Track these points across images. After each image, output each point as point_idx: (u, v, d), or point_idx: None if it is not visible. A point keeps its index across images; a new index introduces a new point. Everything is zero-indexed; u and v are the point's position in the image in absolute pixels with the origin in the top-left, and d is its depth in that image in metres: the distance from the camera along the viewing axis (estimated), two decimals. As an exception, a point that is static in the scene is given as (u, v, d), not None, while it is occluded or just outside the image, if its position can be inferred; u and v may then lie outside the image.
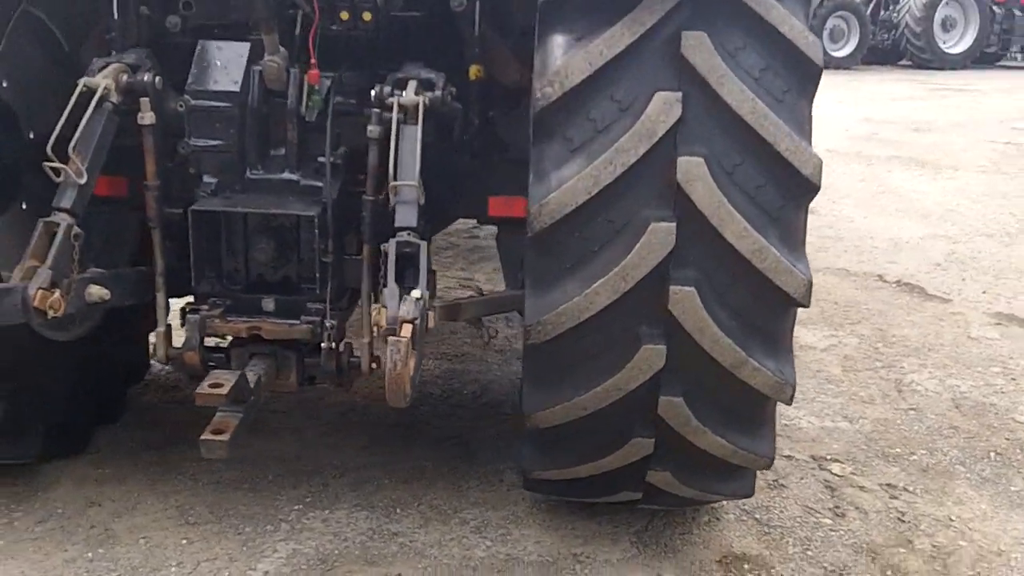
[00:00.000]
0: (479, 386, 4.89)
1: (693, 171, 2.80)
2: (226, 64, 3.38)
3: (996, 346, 5.80)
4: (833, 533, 3.83)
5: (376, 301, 3.26)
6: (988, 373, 5.42)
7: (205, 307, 3.40)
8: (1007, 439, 4.68)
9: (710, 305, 2.89)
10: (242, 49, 3.40)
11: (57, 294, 2.98)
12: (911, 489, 4.18)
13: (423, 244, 3.04)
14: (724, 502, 3.87)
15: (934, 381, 5.28)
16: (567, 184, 2.84)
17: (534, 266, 3.00)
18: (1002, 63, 25.54)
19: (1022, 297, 6.68)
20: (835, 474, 4.26)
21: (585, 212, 2.86)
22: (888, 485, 4.20)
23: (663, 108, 2.80)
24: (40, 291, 2.92)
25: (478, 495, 3.93)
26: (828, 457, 4.36)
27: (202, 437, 3.04)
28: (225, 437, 3.04)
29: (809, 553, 3.70)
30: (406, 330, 2.63)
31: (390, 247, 3.01)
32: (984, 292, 6.73)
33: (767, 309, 2.99)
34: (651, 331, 2.93)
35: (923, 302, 6.44)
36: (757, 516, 3.90)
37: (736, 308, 2.94)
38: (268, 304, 3.42)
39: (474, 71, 3.57)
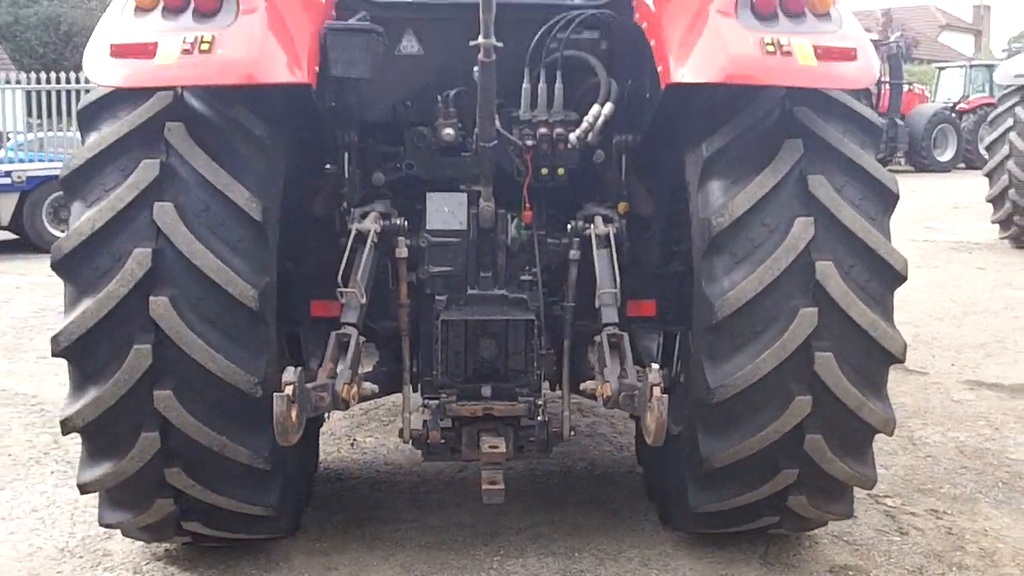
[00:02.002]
0: (588, 463, 5.97)
1: (827, 271, 4.00)
2: (453, 210, 4.51)
3: (976, 405, 7.12)
4: (904, 546, 4.96)
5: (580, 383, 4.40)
6: (976, 426, 6.72)
7: (443, 395, 4.43)
8: (1008, 472, 5.93)
9: (841, 365, 4.05)
10: (462, 198, 4.55)
11: (355, 388, 4.00)
12: (949, 512, 5.36)
13: (625, 335, 4.16)
14: (816, 530, 4.96)
15: (937, 435, 6.53)
16: (739, 285, 4.01)
17: (711, 345, 4.13)
18: (888, 168, 27.88)
19: (983, 366, 8.09)
20: (889, 505, 5.41)
21: (752, 304, 4.02)
22: (932, 510, 5.37)
23: (803, 229, 4.01)
24: (345, 386, 3.94)
25: (631, 539, 4.96)
26: (880, 494, 5.50)
27: (484, 487, 4.07)
28: (501, 486, 4.07)
29: (892, 561, 4.81)
30: (657, 390, 3.72)
31: (603, 338, 4.12)
32: (952, 365, 8.11)
33: (877, 365, 4.16)
34: (799, 386, 4.07)
35: (906, 376, 7.74)
36: (844, 539, 5.00)
37: (856, 366, 4.10)
38: (486, 390, 4.47)
39: (623, 206, 4.76)
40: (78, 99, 20.14)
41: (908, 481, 5.76)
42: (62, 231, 15.43)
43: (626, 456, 6.00)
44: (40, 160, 17.79)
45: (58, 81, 20.04)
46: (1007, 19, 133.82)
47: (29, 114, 19.68)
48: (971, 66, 34.37)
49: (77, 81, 20.47)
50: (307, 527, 5.07)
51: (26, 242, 15.80)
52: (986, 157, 15.07)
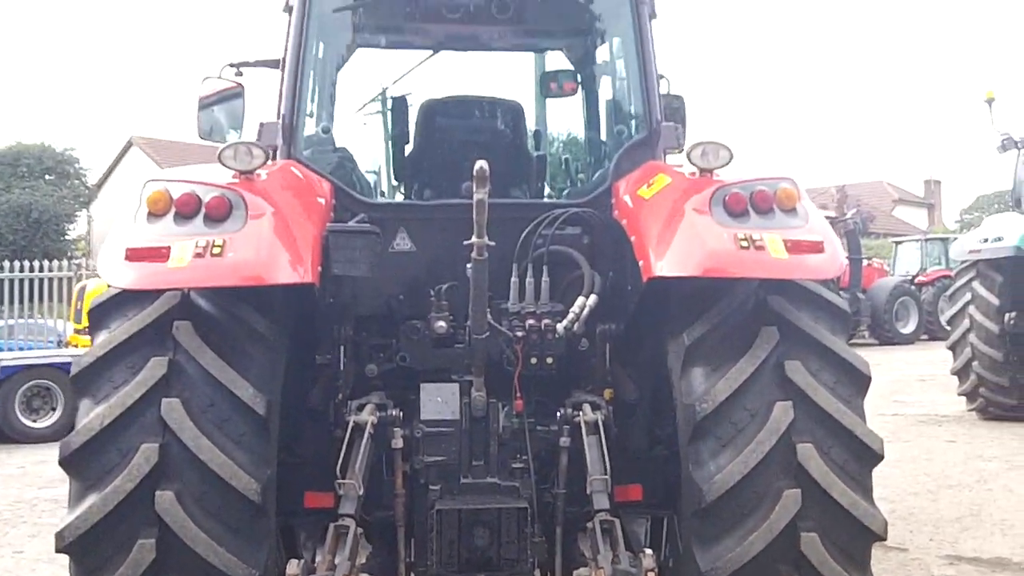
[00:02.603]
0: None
1: (808, 453, 4.17)
2: (446, 400, 4.68)
3: (957, 582, 7.20)
4: None
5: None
6: (960, 602, 6.78)
7: None
8: (995, 650, 5.98)
9: (826, 544, 4.17)
10: (455, 389, 4.72)
11: None
12: None
13: (616, 520, 4.28)
14: None
15: (927, 612, 6.58)
16: (726, 468, 4.17)
17: (700, 529, 4.24)
18: (853, 341, 28.43)
19: (961, 540, 8.18)
20: None
21: (739, 487, 4.16)
22: None
23: (783, 412, 4.20)
24: None
25: None
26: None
27: None
28: None
29: None
30: (652, 575, 3.82)
31: (595, 524, 4.24)
32: (931, 540, 8.20)
33: (860, 543, 4.29)
34: (787, 567, 4.17)
35: (886, 553, 7.80)
36: None
37: (840, 544, 4.22)
38: None
39: (608, 393, 4.94)
40: (50, 287, 20.52)
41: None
42: (34, 421, 15.58)
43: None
44: (11, 349, 17.84)
45: (31, 269, 20.32)
46: (958, 192, 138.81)
47: (0, 302, 19.87)
48: (927, 239, 35.52)
49: (50, 270, 20.79)
50: None
51: (-3, 432, 15.65)
52: (948, 329, 15.46)
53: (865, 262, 29.43)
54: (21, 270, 20.17)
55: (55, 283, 20.70)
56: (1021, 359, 14.19)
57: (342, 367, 4.85)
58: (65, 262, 22.87)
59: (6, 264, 20.23)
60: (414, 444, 4.66)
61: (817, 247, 4.38)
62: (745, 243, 4.27)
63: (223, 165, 4.35)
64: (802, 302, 4.50)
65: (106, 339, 4.17)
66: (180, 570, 3.95)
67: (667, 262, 4.37)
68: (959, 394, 14.93)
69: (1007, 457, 11.80)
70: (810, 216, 4.52)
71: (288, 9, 5.37)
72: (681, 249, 4.37)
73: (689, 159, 4.59)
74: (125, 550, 3.91)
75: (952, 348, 14.86)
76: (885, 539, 4.32)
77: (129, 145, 52.16)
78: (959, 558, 7.75)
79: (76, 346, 17.69)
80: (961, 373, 14.74)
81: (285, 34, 5.32)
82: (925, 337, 30.36)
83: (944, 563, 7.62)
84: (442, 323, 4.79)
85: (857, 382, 4.42)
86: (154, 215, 4.21)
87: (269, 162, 4.62)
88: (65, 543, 3.94)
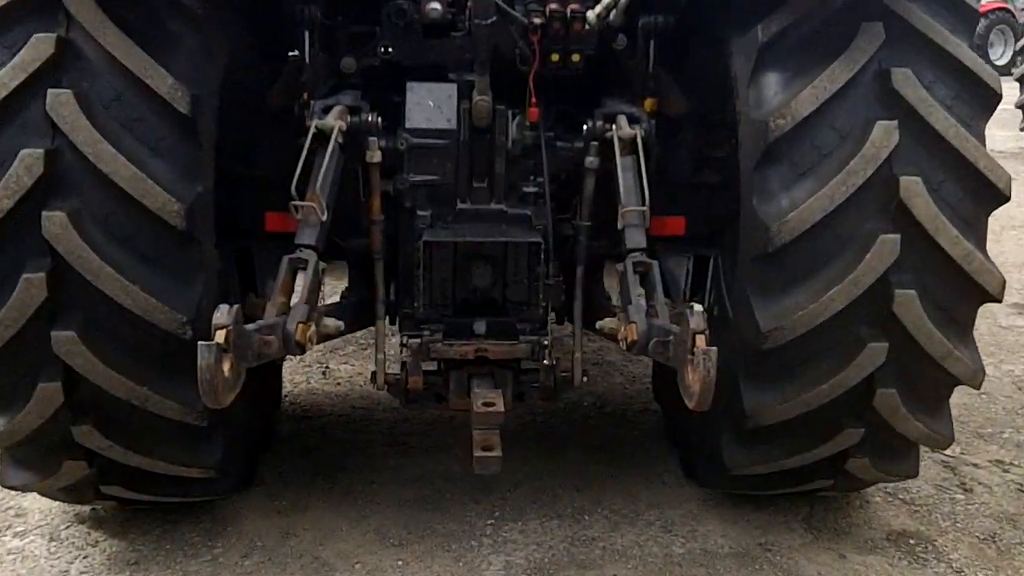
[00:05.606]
0: (595, 398, 5.19)
1: (913, 188, 3.17)
2: (439, 104, 3.63)
3: (1026, 332, 6.38)
4: (971, 506, 4.24)
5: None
6: (1031, 356, 5.97)
7: (426, 332, 3.61)
8: (1074, 411, 5.20)
9: (926, 305, 3.24)
10: (451, 90, 3.66)
11: (312, 328, 3.13)
12: (1017, 463, 4.63)
13: (655, 263, 3.32)
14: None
15: (991, 367, 5.69)
16: (803, 204, 3.17)
17: (763, 278, 3.31)
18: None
19: (1027, 286, 7.33)
20: (947, 455, 4.65)
21: (819, 228, 3.19)
22: (997, 461, 4.64)
23: (884, 135, 3.16)
24: (300, 325, 3.05)
25: (650, 497, 4.22)
26: (935, 442, 4.75)
27: (476, 454, 3.27)
28: (498, 452, 3.27)
29: (959, 525, 4.10)
30: (701, 340, 2.88)
31: (627, 266, 3.28)
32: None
33: (967, 305, 3.38)
34: (873, 331, 3.27)
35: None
36: (901, 497, 4.27)
37: (943, 306, 3.31)
38: (480, 327, 3.65)
39: (649, 104, 3.86)
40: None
41: (964, 424, 5.00)
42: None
43: (640, 390, 5.25)
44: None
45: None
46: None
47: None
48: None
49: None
50: (265, 478, 4.32)
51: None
52: (1011, 66, 14.24)
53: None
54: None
55: None
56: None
57: (308, 59, 3.76)
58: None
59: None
60: (397, 159, 3.64)
61: None
62: None
63: None
64: None
65: None
66: (82, 314, 3.09)
67: None
68: (1022, 129, 13.81)
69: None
70: None
71: None
72: None
73: None
74: (7, 287, 3.03)
75: (1021, 80, 13.62)
76: (1000, 301, 3.40)
77: None
78: (1026, 306, 6.91)
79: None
80: (1027, 106, 13.59)
81: None
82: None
83: (1012, 312, 6.87)
84: (436, 5, 3.64)
85: (983, 100, 3.37)
86: None
87: None
88: None
